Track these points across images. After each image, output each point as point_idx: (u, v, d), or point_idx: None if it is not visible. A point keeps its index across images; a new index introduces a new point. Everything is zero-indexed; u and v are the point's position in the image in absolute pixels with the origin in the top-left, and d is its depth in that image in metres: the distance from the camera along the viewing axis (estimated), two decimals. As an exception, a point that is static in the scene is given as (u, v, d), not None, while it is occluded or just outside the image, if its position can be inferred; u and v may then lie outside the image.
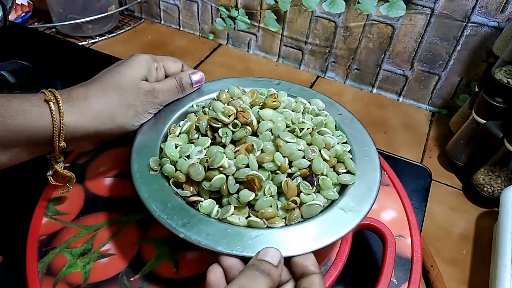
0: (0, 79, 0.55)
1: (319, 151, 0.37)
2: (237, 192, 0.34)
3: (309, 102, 0.43)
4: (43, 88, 0.35)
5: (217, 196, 0.35)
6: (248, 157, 0.35)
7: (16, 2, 0.72)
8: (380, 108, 0.77)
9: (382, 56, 0.75)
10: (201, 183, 0.34)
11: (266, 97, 0.41)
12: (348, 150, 0.39)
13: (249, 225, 0.33)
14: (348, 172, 0.37)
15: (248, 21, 0.84)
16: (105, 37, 0.90)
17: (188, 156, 0.36)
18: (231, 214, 0.33)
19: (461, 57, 0.69)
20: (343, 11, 0.73)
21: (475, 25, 0.64)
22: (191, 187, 0.35)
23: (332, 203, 0.36)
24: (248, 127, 0.37)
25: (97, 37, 0.89)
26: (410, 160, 0.62)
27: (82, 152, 0.46)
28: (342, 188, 0.37)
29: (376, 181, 0.37)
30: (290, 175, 0.35)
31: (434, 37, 0.69)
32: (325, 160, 0.36)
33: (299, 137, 0.37)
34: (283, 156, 0.35)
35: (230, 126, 0.37)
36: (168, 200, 0.34)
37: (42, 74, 0.61)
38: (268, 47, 0.86)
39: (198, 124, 0.38)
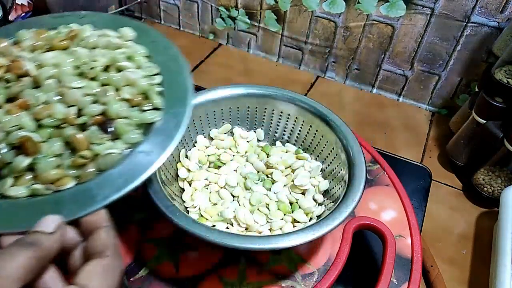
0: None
1: (117, 90, 0.32)
2: None
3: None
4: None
5: None
6: (20, 117, 0.29)
7: (16, 2, 0.72)
8: (380, 108, 0.77)
9: (382, 56, 0.75)
10: None
11: (56, 38, 0.35)
12: (158, 82, 0.34)
13: (33, 194, 0.29)
14: (156, 109, 0.33)
15: (248, 21, 0.84)
16: (105, 37, 0.90)
17: None
18: (10, 187, 0.29)
19: (461, 57, 0.69)
20: (343, 11, 0.73)
21: (475, 25, 0.64)
22: None
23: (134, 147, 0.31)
24: (26, 79, 0.31)
25: (97, 37, 0.89)
26: (410, 160, 0.62)
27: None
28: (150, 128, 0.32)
29: (184, 110, 0.32)
30: (83, 126, 0.31)
31: (434, 37, 0.69)
32: (127, 100, 0.32)
33: (93, 79, 0.32)
34: (69, 106, 0.30)
35: (4, 82, 0.31)
36: None
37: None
38: (268, 47, 0.86)
39: None
